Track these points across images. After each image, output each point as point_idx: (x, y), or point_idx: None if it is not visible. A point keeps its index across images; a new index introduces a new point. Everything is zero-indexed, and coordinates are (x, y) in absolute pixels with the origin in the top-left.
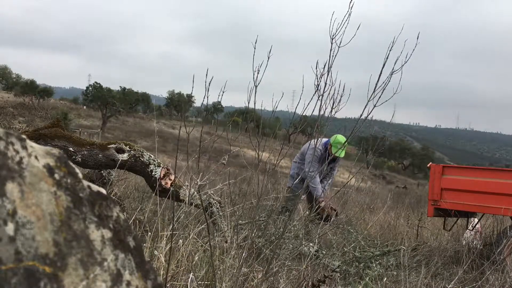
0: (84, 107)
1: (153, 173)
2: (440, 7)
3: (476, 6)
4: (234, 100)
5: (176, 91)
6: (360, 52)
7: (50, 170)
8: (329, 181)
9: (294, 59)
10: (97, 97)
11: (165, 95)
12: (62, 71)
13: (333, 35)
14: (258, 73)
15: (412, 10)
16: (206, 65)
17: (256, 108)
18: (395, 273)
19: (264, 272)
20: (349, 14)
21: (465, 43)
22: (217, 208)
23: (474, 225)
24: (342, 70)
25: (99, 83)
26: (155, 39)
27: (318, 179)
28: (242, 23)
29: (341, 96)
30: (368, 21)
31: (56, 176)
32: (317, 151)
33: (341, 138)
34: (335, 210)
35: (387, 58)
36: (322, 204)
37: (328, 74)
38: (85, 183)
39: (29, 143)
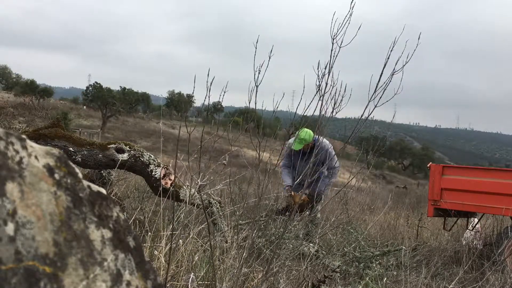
0: (84, 107)
1: (153, 173)
2: (433, 7)
3: (475, 6)
4: (233, 100)
5: (176, 91)
6: (352, 51)
7: (50, 170)
8: (330, 179)
9: (289, 59)
10: (97, 97)
11: (165, 95)
12: (62, 71)
13: (334, 36)
14: (259, 73)
15: (403, 10)
16: (204, 65)
17: (256, 108)
18: (395, 273)
19: (264, 272)
20: (350, 15)
21: (464, 43)
22: (217, 208)
23: (474, 225)
24: (335, 70)
25: (99, 83)
26: (154, 39)
27: (284, 171)
28: (239, 23)
29: (343, 97)
30: (358, 21)
31: (56, 176)
32: (286, 148)
33: (302, 133)
34: (305, 202)
35: (388, 58)
36: (287, 193)
37: (329, 75)
38: (85, 183)
39: (29, 143)
